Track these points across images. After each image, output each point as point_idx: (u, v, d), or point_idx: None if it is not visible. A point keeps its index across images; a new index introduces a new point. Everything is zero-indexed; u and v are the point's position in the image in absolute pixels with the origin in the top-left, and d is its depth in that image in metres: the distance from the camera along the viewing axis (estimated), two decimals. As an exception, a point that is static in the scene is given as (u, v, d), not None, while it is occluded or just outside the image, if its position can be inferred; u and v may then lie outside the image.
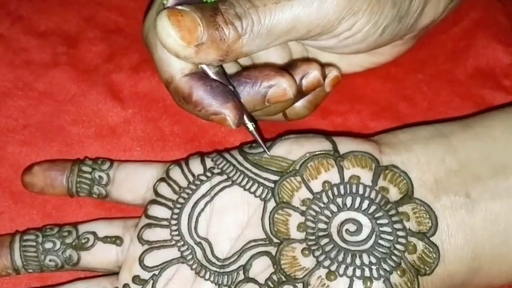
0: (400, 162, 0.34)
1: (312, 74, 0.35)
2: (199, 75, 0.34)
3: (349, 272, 0.32)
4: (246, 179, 0.35)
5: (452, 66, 0.44)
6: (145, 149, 0.40)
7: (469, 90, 0.43)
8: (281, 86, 0.34)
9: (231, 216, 0.34)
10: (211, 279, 0.33)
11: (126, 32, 0.44)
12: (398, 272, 0.32)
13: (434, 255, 0.32)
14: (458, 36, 0.45)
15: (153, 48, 0.35)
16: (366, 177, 0.34)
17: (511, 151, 0.34)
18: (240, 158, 0.35)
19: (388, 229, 0.32)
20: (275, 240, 0.33)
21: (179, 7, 0.33)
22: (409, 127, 0.37)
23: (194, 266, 0.34)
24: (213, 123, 0.40)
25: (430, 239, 0.32)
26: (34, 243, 0.35)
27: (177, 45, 0.32)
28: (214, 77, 0.34)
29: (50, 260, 0.35)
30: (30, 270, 0.35)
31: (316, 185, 0.34)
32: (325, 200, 0.33)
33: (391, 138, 0.36)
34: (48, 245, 0.35)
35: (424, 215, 0.33)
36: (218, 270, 0.33)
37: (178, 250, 0.34)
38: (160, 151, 0.40)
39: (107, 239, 0.35)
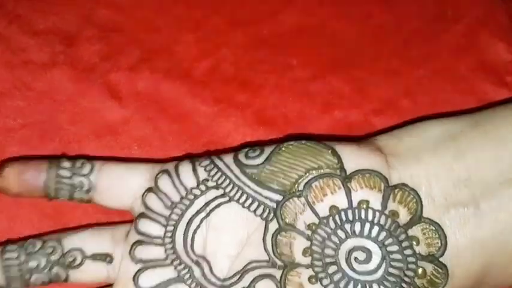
0: (409, 177, 0.33)
1: None
2: None
3: None
4: (245, 195, 0.32)
5: (455, 63, 0.44)
6: (144, 148, 0.40)
7: (471, 87, 0.43)
8: None
9: (229, 233, 0.32)
10: None
11: (124, 30, 0.43)
12: None
13: (443, 276, 0.31)
14: (460, 33, 0.45)
15: None
16: (375, 200, 0.32)
17: None
18: (236, 171, 0.33)
19: (399, 256, 0.31)
20: (279, 263, 0.32)
21: None
22: (414, 124, 0.36)
23: (193, 286, 0.32)
24: (213, 123, 0.40)
25: (439, 259, 0.31)
26: (17, 262, 0.33)
27: None
28: None
29: (36, 279, 0.33)
30: None
31: (322, 209, 0.32)
32: (332, 225, 0.32)
33: (396, 143, 0.34)
34: (33, 264, 0.33)
35: (434, 235, 0.31)
36: None
37: (175, 269, 0.32)
38: (159, 150, 0.39)
39: (95, 257, 0.33)
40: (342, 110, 0.41)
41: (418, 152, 0.33)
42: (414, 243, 0.31)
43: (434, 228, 0.32)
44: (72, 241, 0.34)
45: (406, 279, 0.31)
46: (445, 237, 0.31)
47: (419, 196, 0.32)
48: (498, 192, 0.32)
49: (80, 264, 0.33)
